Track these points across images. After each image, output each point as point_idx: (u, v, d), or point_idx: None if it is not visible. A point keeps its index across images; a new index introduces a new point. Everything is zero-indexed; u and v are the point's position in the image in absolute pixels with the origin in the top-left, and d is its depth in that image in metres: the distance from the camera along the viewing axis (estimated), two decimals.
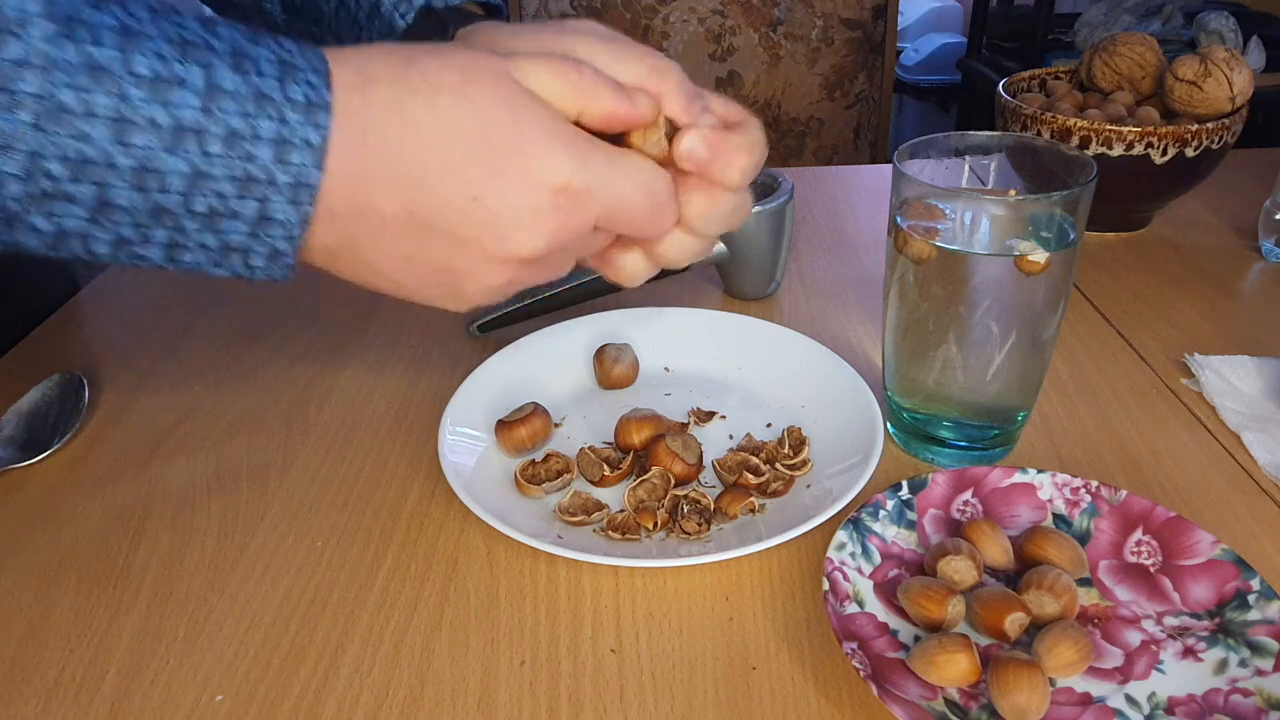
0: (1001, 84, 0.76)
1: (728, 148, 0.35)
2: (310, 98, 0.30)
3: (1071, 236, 0.43)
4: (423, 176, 0.31)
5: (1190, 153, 0.67)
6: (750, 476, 0.47)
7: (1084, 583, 0.41)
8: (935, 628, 0.38)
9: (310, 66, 0.30)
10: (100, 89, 0.27)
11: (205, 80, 0.28)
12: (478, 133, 0.31)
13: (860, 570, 0.41)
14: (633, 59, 0.35)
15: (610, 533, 0.44)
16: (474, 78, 0.31)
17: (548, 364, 0.57)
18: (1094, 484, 0.44)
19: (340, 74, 0.30)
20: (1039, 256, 0.42)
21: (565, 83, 0.33)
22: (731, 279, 0.67)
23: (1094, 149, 0.67)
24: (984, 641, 0.39)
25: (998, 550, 0.41)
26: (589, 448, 0.49)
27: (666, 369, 0.58)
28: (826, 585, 0.39)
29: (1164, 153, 0.67)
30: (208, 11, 0.31)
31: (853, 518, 0.42)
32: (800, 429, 0.50)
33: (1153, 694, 0.36)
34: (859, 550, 0.41)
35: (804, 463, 0.48)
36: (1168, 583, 0.40)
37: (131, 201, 0.29)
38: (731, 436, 0.52)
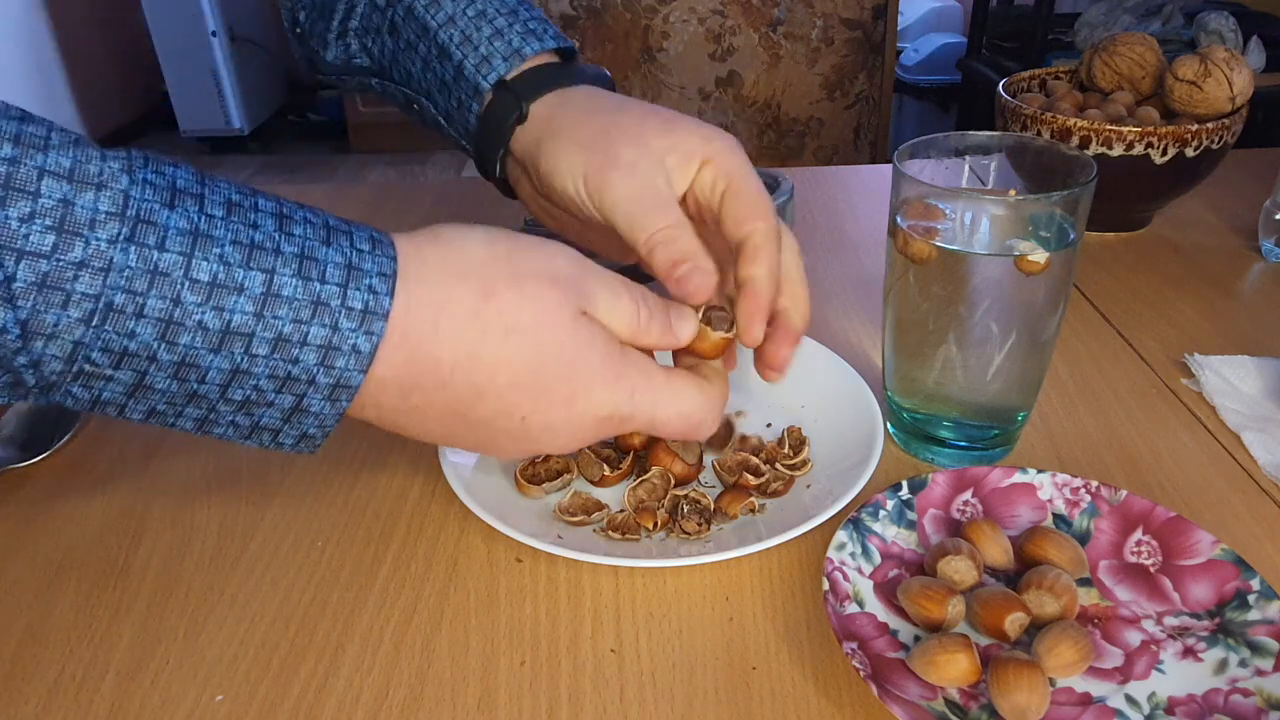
0: (1001, 84, 0.76)
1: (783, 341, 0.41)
2: (370, 305, 0.30)
3: (1071, 236, 0.43)
4: (474, 398, 0.33)
5: (1190, 153, 0.67)
6: (750, 477, 0.47)
7: (1084, 583, 0.41)
8: (935, 628, 0.38)
9: (377, 270, 0.31)
10: (155, 292, 0.27)
11: (265, 287, 0.29)
12: (536, 366, 0.33)
13: (860, 570, 0.41)
14: (747, 215, 0.39)
15: (610, 533, 0.44)
16: (547, 322, 0.33)
17: None
18: (1094, 484, 0.44)
19: (409, 286, 0.31)
20: (1039, 256, 0.42)
21: (630, 319, 0.35)
22: None
23: (1094, 149, 0.67)
24: (984, 641, 0.39)
25: (998, 550, 0.41)
26: (589, 448, 0.49)
27: None
28: (826, 585, 0.39)
29: (1164, 153, 0.67)
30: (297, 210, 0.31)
31: (853, 518, 0.42)
32: (800, 429, 0.50)
33: (1153, 694, 0.36)
34: (859, 550, 0.41)
35: (804, 463, 0.48)
36: (1168, 583, 0.40)
37: (168, 386, 0.29)
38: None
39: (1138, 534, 0.42)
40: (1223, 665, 0.36)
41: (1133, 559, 0.42)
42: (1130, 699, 0.36)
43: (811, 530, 0.42)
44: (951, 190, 0.47)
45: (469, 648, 0.40)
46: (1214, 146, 0.68)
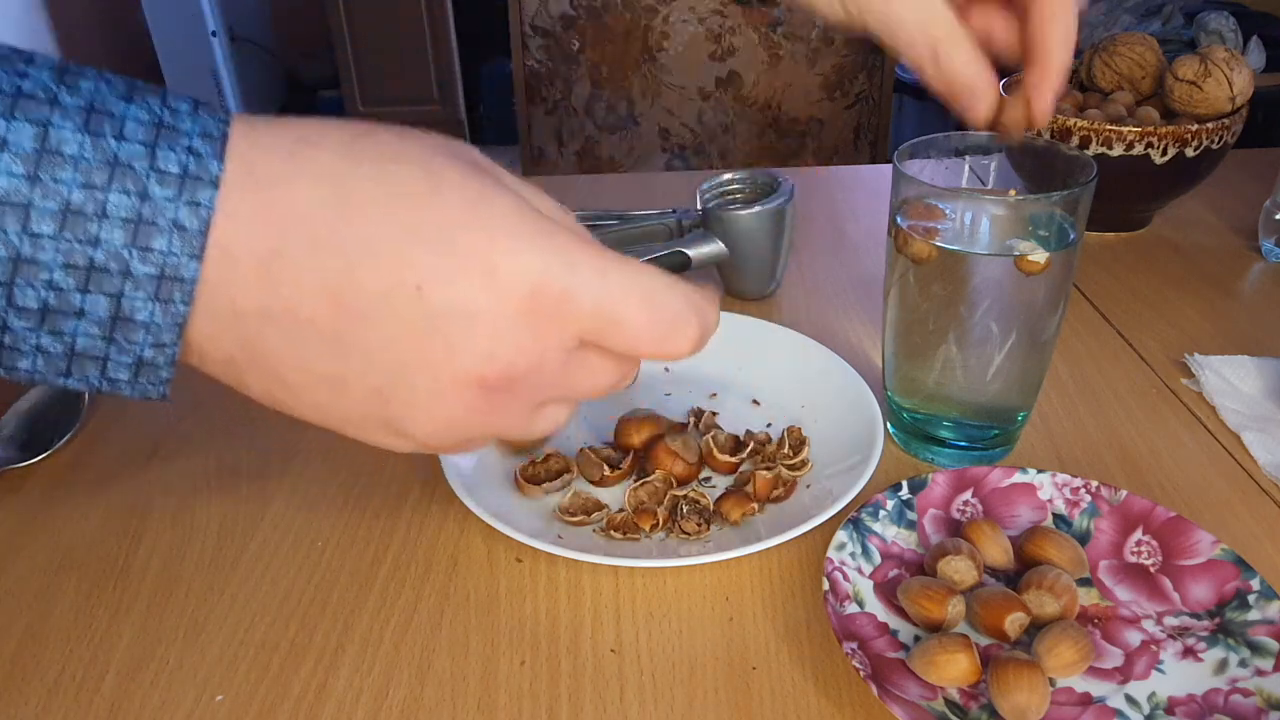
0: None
1: None
2: (190, 168, 0.23)
3: (1071, 236, 0.43)
4: (353, 257, 0.25)
5: (1190, 153, 0.67)
6: (763, 474, 0.46)
7: (1084, 583, 0.41)
8: (935, 628, 0.38)
9: (200, 131, 0.24)
10: None
11: (38, 142, 0.22)
12: (430, 209, 0.25)
13: (860, 570, 0.41)
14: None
15: (610, 533, 0.44)
16: (440, 154, 0.26)
17: None
18: (1094, 484, 0.44)
19: (254, 138, 0.24)
20: (1039, 256, 0.42)
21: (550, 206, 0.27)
22: (731, 279, 0.66)
23: (1094, 149, 0.67)
24: (984, 641, 0.39)
25: (998, 550, 0.41)
26: (589, 448, 0.49)
27: (666, 369, 0.58)
28: (826, 585, 0.39)
29: (1164, 153, 0.67)
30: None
31: (853, 518, 0.42)
32: (800, 429, 0.50)
33: (1153, 694, 0.36)
34: (859, 550, 0.41)
35: (804, 463, 0.48)
36: (1168, 583, 0.40)
37: None
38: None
39: (1138, 534, 0.42)
40: (1223, 665, 0.36)
41: (1133, 559, 0.42)
42: (1130, 699, 0.36)
43: (811, 530, 0.42)
44: (951, 190, 0.47)
45: (469, 648, 0.40)
46: (1214, 146, 0.68)
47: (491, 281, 0.25)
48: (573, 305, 0.26)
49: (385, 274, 0.25)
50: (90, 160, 0.23)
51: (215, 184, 0.24)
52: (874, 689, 0.34)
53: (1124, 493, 0.43)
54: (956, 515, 0.44)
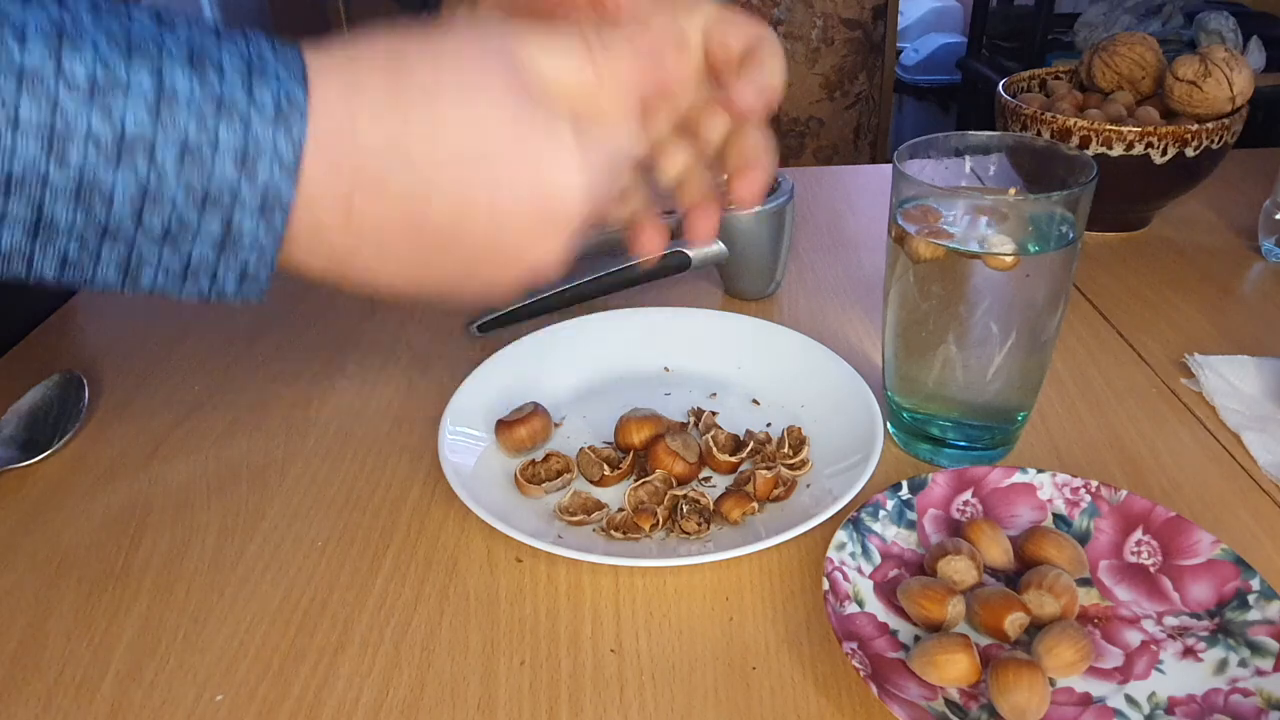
0: (1001, 84, 0.76)
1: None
2: (282, 101, 0.27)
3: (1071, 236, 0.43)
4: (423, 199, 0.28)
5: (1190, 153, 0.67)
6: (761, 473, 0.46)
7: (1084, 583, 0.41)
8: (935, 628, 0.38)
9: (284, 67, 0.27)
10: (28, 97, 0.24)
11: (155, 86, 0.25)
12: (477, 135, 0.29)
13: (860, 570, 0.41)
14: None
15: (610, 532, 0.44)
16: (477, 83, 0.29)
17: (548, 364, 0.57)
18: (1094, 484, 0.44)
19: (322, 76, 0.27)
20: (1006, 251, 0.42)
21: (578, 71, 0.31)
22: (731, 279, 0.67)
23: (1094, 149, 0.67)
24: (984, 641, 0.39)
25: (998, 550, 0.41)
26: (589, 448, 0.49)
27: (666, 369, 0.58)
28: (826, 585, 0.39)
29: (1164, 153, 0.67)
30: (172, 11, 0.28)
31: (853, 518, 0.42)
32: (800, 429, 0.50)
33: (1153, 694, 0.36)
34: (859, 550, 0.41)
35: (804, 463, 0.48)
36: (1168, 583, 0.40)
37: (73, 219, 0.26)
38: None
39: (1138, 534, 0.42)
40: (1223, 665, 0.36)
41: (1133, 559, 0.42)
42: (1130, 699, 0.36)
43: (811, 530, 0.42)
44: (951, 190, 0.47)
45: (469, 648, 0.40)
46: (1214, 146, 0.68)
47: (541, 171, 0.30)
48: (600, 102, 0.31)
49: (451, 206, 0.29)
50: (200, 100, 0.26)
51: (304, 115, 0.27)
52: (874, 689, 0.34)
53: (1124, 493, 0.43)
54: (956, 515, 0.44)
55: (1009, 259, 0.42)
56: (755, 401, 0.55)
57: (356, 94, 0.28)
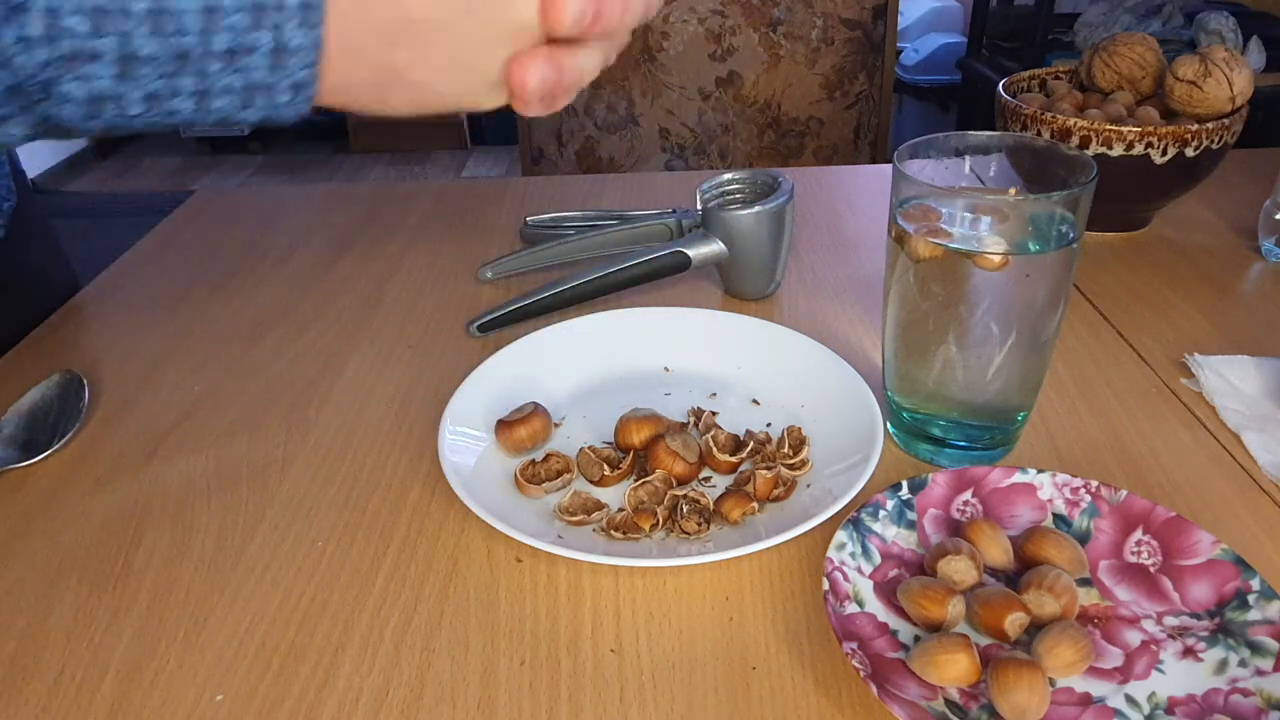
0: (1001, 84, 0.76)
1: None
2: None
3: (1071, 236, 0.43)
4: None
5: (1190, 153, 0.67)
6: (761, 473, 0.46)
7: (1084, 583, 0.41)
8: (935, 628, 0.38)
9: None
10: None
11: None
12: None
13: (860, 570, 0.41)
14: None
15: (610, 532, 0.44)
16: None
17: (548, 364, 0.57)
18: (1094, 484, 0.44)
19: None
20: (996, 250, 0.42)
21: None
22: (731, 279, 0.67)
23: (1094, 149, 0.67)
24: (984, 641, 0.39)
25: (998, 550, 0.41)
26: (589, 448, 0.49)
27: (666, 369, 0.58)
28: (826, 585, 0.39)
29: (1164, 153, 0.67)
30: None
31: (853, 518, 0.42)
32: (800, 429, 0.50)
33: (1153, 694, 0.36)
34: (859, 550, 0.41)
35: (804, 463, 0.48)
36: (1168, 583, 0.40)
37: (153, 50, 0.29)
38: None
39: (1138, 534, 0.42)
40: (1223, 665, 0.36)
41: (1133, 559, 0.42)
42: (1130, 699, 0.36)
43: (811, 530, 0.42)
44: (951, 190, 0.47)
45: (469, 648, 0.40)
46: (1214, 146, 0.68)
47: None
48: None
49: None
50: None
51: None
52: (874, 689, 0.34)
53: (1124, 493, 0.43)
54: (956, 515, 0.44)
55: (997, 259, 0.42)
56: (755, 401, 0.55)
57: None
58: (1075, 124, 0.67)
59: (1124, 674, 0.37)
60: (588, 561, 0.42)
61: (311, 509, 0.48)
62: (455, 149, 3.68)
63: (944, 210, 0.45)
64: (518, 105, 0.37)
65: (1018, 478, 0.45)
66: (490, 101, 0.37)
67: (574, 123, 1.45)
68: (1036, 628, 0.38)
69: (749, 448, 0.49)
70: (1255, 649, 0.36)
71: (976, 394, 0.47)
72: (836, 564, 0.40)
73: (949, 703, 0.35)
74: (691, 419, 0.53)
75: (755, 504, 0.46)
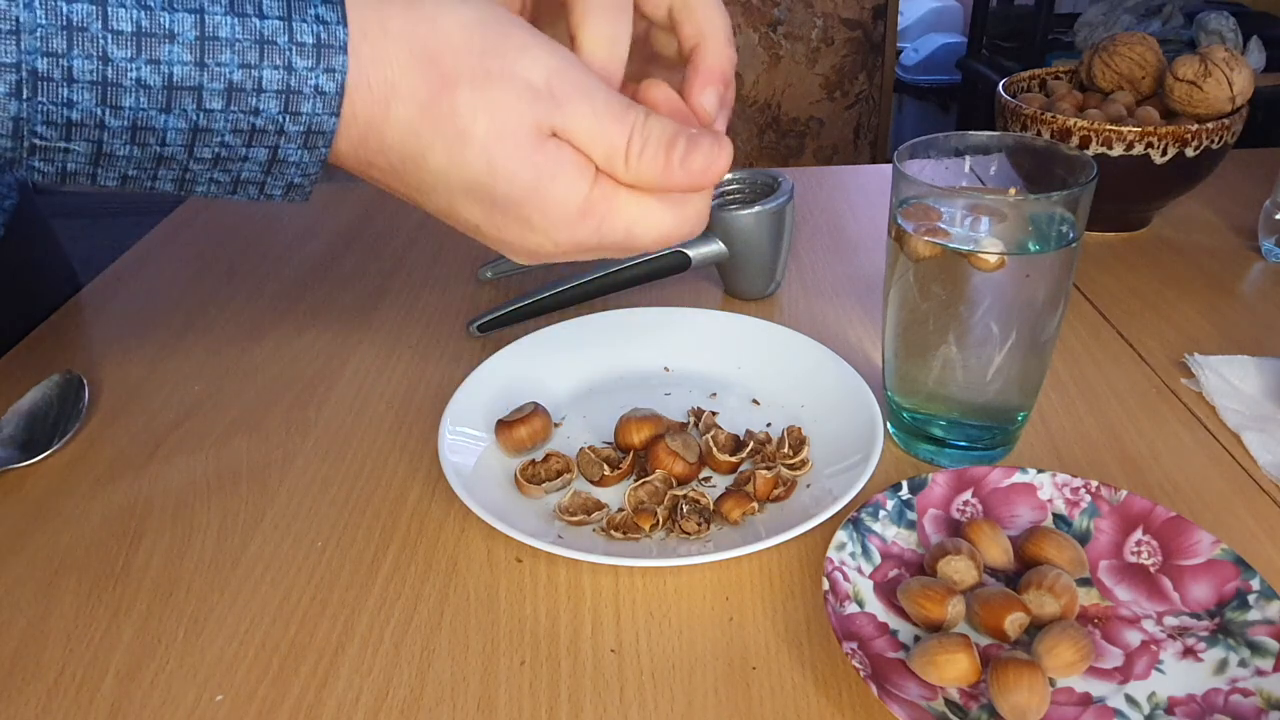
0: (1001, 84, 0.76)
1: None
2: (322, 38, 0.27)
3: (1071, 236, 0.43)
4: (427, 193, 0.31)
5: (1190, 153, 0.67)
6: (761, 473, 0.46)
7: (1084, 583, 0.41)
8: (935, 628, 0.38)
9: (324, 3, 0.28)
10: (79, 51, 0.25)
11: (197, 30, 0.26)
12: (488, 182, 0.30)
13: (860, 570, 0.41)
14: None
15: (610, 532, 0.44)
16: (505, 137, 0.30)
17: (548, 364, 0.57)
18: (1094, 484, 0.44)
19: (363, 50, 0.28)
20: (992, 250, 0.42)
21: (613, 149, 0.31)
22: (731, 279, 0.67)
23: (1094, 149, 0.67)
24: (984, 641, 0.39)
25: (998, 550, 0.41)
26: (589, 448, 0.49)
27: (666, 369, 0.58)
28: (826, 585, 0.39)
29: (1164, 153, 0.67)
30: None
31: (853, 518, 0.42)
32: (800, 429, 0.50)
33: (1153, 694, 0.36)
34: (859, 550, 0.41)
35: (804, 463, 0.48)
36: (1168, 583, 0.40)
37: (130, 153, 0.28)
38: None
39: (1138, 534, 0.42)
40: (1223, 665, 0.36)
41: (1133, 559, 0.42)
42: (1130, 699, 0.36)
43: (811, 530, 0.42)
44: (951, 190, 0.47)
45: (469, 648, 0.40)
46: (1214, 146, 0.68)
47: (531, 237, 0.32)
48: (600, 253, 0.34)
49: (446, 207, 0.32)
50: (243, 41, 0.27)
51: (344, 49, 0.28)
52: (874, 689, 0.34)
53: (1124, 493, 0.43)
54: (956, 515, 0.44)
55: (992, 259, 0.42)
56: (755, 401, 0.55)
57: (398, 91, 0.29)
58: (1075, 124, 0.67)
59: (1124, 674, 0.37)
60: (588, 561, 0.42)
61: (311, 509, 0.48)
62: None
63: (944, 210, 0.45)
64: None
65: (1018, 478, 0.45)
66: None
67: None
68: (1036, 628, 0.38)
69: (749, 448, 0.49)
70: (1255, 649, 0.36)
71: (976, 394, 0.47)
72: (836, 564, 0.40)
73: (949, 703, 0.35)
74: (691, 419, 0.53)
75: (755, 504, 0.45)
